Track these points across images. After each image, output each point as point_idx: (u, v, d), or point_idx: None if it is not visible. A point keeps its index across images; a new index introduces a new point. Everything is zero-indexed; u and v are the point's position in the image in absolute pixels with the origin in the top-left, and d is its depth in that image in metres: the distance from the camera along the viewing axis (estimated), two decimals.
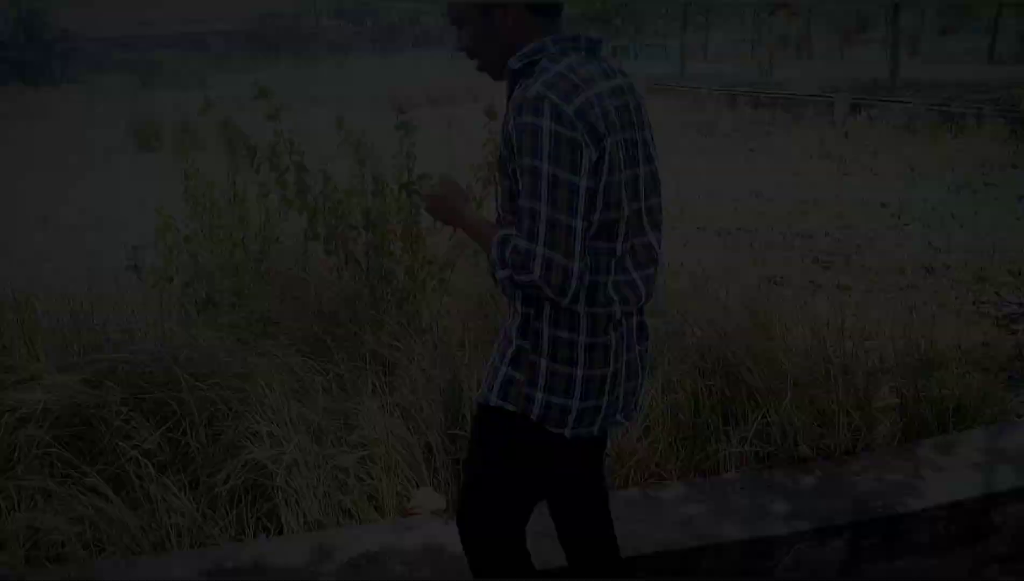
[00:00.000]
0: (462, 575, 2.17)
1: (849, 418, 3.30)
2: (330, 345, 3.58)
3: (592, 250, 1.68)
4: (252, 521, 2.89)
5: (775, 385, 3.26)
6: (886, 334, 4.57)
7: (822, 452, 3.21)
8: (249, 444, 2.93)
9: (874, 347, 4.22)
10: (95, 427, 2.94)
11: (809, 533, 2.70)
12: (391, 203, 4.08)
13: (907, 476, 2.97)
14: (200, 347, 3.25)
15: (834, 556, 2.75)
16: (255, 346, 3.47)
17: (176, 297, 4.02)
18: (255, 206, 5.01)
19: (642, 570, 2.60)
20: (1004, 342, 4.50)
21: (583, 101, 1.63)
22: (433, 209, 1.98)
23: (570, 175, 1.59)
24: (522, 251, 1.60)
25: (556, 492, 2.10)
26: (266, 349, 3.43)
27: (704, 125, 13.89)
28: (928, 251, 6.23)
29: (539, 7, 1.78)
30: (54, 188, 9.52)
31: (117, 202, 8.51)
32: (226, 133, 3.89)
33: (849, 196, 8.28)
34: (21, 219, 7.91)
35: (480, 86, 20.74)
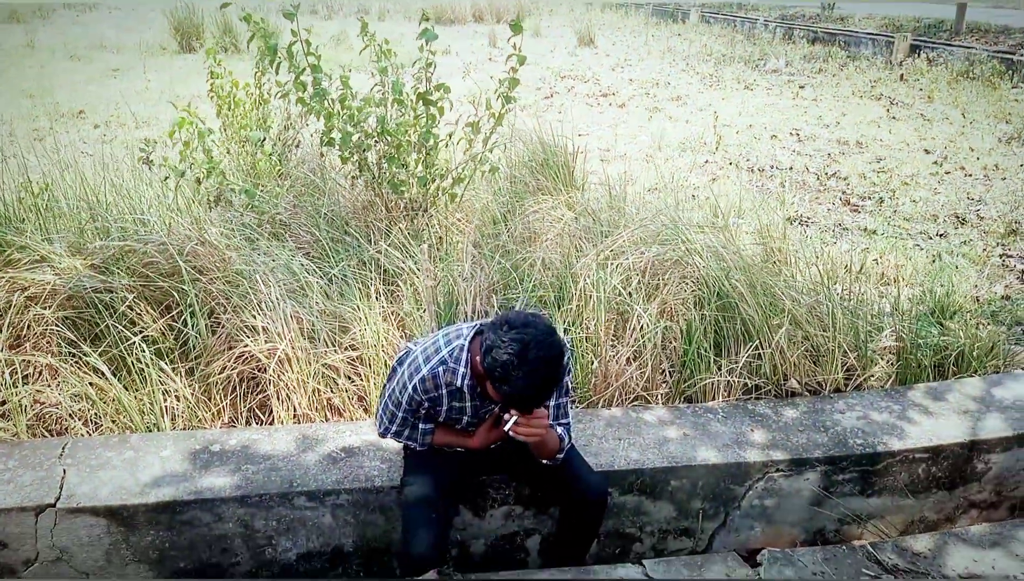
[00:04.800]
0: None
1: (845, 358, 3.28)
2: (333, 250, 3.62)
3: None
4: (245, 411, 3.01)
5: (772, 320, 3.24)
6: (904, 280, 4.50)
7: (812, 389, 3.20)
8: (245, 338, 3.02)
9: (889, 293, 4.15)
10: (100, 311, 3.04)
11: (784, 463, 2.72)
12: (408, 112, 4.06)
13: (893, 417, 2.96)
14: (206, 242, 3.31)
15: (807, 487, 2.77)
16: (262, 246, 3.54)
17: (193, 193, 4.09)
18: (279, 109, 5.03)
19: (613, 486, 2.65)
20: None
21: None
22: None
23: None
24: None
25: None
26: (271, 250, 3.49)
27: (755, 58, 13.41)
28: (964, 201, 6.02)
29: None
30: (94, 85, 9.63)
31: (152, 100, 8.61)
32: (251, 32, 3.85)
33: (893, 140, 8.00)
34: (59, 113, 8.05)
35: (529, 5, 20.21)
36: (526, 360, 2.01)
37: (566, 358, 2.16)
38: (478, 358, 2.14)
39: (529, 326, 2.05)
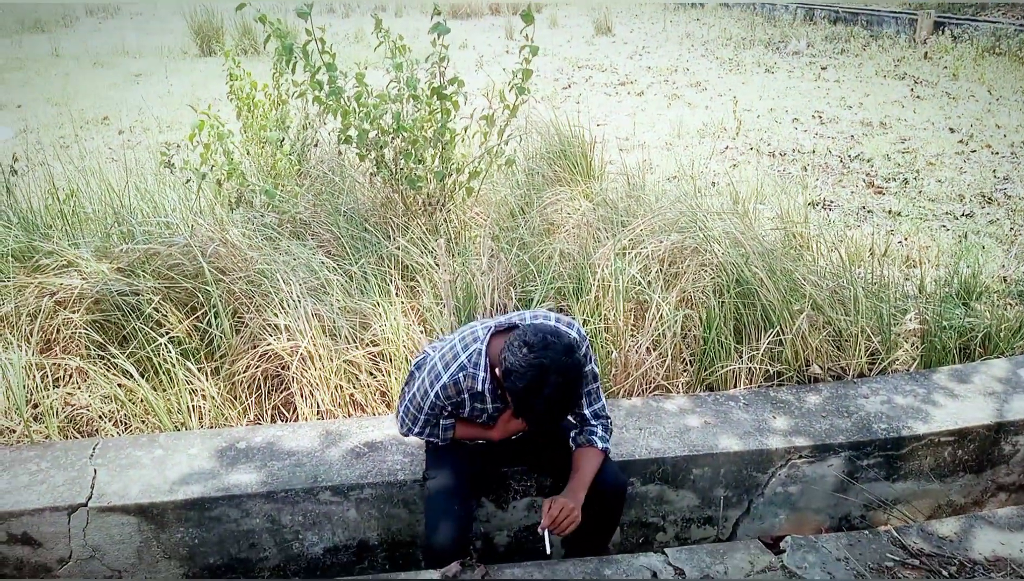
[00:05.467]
0: None
1: (869, 342, 3.25)
2: (353, 248, 3.65)
3: None
4: (270, 409, 3.05)
5: (793, 306, 3.21)
6: (930, 262, 4.44)
7: (835, 374, 3.18)
8: (268, 336, 3.06)
9: (914, 275, 4.11)
10: (126, 314, 3.10)
11: (807, 449, 2.71)
12: (423, 107, 4.07)
13: (918, 401, 2.92)
14: (228, 243, 3.36)
15: (831, 473, 2.76)
16: (282, 245, 3.58)
17: (214, 195, 4.14)
18: (297, 109, 5.07)
19: (635, 475, 2.66)
20: None
21: None
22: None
23: None
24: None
25: None
26: (292, 249, 3.53)
27: (775, 41, 13.25)
28: (991, 180, 5.92)
29: None
30: (117, 91, 9.77)
31: (175, 104, 8.71)
32: (267, 33, 3.89)
33: (918, 120, 7.88)
34: (84, 120, 8.18)
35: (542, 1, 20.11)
36: (546, 383, 2.00)
37: (584, 353, 2.17)
38: (498, 369, 2.14)
39: (548, 348, 2.03)
